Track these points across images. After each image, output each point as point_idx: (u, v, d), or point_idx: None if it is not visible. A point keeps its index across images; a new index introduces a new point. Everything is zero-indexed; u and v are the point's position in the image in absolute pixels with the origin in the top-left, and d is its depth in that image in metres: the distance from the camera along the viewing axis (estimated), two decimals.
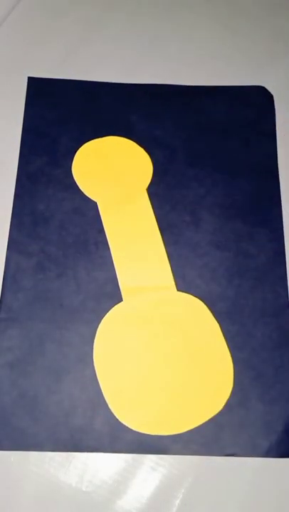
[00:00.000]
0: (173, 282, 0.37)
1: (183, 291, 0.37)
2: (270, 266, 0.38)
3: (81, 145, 0.41)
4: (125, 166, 0.40)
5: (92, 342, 0.36)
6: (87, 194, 0.40)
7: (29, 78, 0.43)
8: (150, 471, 0.33)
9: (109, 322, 0.36)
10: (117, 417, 0.34)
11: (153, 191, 0.40)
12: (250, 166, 0.41)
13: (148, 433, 0.34)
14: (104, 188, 0.40)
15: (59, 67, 0.44)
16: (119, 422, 0.34)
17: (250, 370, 0.35)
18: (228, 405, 0.34)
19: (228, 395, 0.35)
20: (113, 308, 0.37)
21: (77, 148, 0.41)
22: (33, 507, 0.32)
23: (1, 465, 0.33)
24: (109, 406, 0.34)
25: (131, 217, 0.39)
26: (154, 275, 0.37)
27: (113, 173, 0.39)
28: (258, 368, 0.35)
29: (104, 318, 0.36)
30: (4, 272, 0.37)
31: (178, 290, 0.37)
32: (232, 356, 0.36)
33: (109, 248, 0.38)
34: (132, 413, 0.34)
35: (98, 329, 0.36)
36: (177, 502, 0.33)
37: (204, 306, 0.37)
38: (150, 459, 0.34)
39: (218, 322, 0.36)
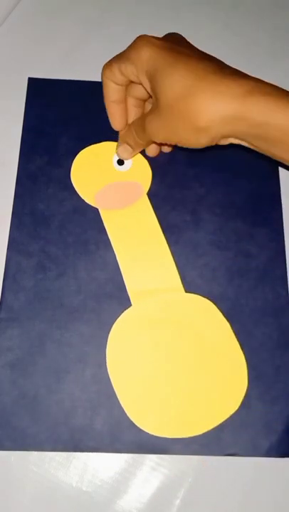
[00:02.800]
0: (180, 284, 0.37)
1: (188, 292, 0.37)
2: (271, 266, 0.38)
3: (81, 145, 0.41)
4: (124, 172, 0.40)
5: (93, 341, 0.35)
6: (88, 202, 0.39)
7: (29, 79, 0.43)
8: (150, 471, 0.33)
9: (120, 327, 0.36)
10: (135, 422, 0.34)
11: (153, 191, 0.39)
12: (250, 165, 0.40)
13: (165, 436, 0.33)
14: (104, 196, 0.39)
15: (59, 67, 0.44)
16: (120, 422, 0.33)
17: (251, 369, 0.35)
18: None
19: (243, 395, 0.34)
20: (123, 313, 0.36)
21: (78, 148, 0.40)
22: (34, 507, 0.32)
23: (1, 465, 0.33)
24: (127, 412, 0.34)
25: (133, 222, 0.38)
26: (161, 278, 0.37)
27: (112, 180, 0.39)
28: (259, 367, 0.35)
29: (115, 323, 0.36)
30: (4, 272, 0.37)
31: (186, 291, 0.37)
32: (245, 355, 0.35)
33: (109, 248, 0.38)
34: (150, 418, 0.34)
35: (110, 334, 0.35)
36: (177, 502, 0.32)
37: (214, 306, 0.36)
38: (150, 459, 0.33)
39: (228, 321, 0.36)
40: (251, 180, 0.40)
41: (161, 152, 0.40)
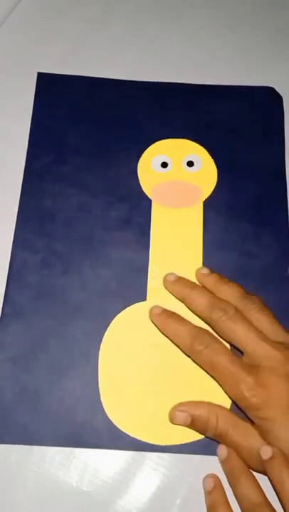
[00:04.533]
0: None
1: None
2: (275, 267, 0.36)
3: (89, 142, 0.39)
4: (191, 173, 0.39)
5: (96, 339, 0.34)
6: (144, 190, 0.38)
7: (39, 74, 0.42)
8: (151, 471, 0.32)
9: (125, 318, 0.35)
10: (112, 420, 0.32)
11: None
12: (256, 166, 0.39)
13: (145, 440, 0.32)
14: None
15: (59, 67, 0.42)
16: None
17: None
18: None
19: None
20: (134, 305, 0.35)
21: (85, 146, 0.39)
22: (34, 507, 0.31)
23: (1, 464, 0.32)
24: (104, 407, 0.33)
25: (180, 224, 0.37)
26: None
27: (177, 177, 0.39)
28: None
29: (122, 312, 0.35)
30: (9, 268, 0.36)
31: None
32: None
33: (114, 246, 0.37)
34: (128, 419, 0.33)
35: (112, 323, 0.35)
36: (178, 502, 0.31)
37: None
38: (151, 459, 0.32)
39: None
40: (257, 181, 0.39)
41: None
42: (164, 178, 0.39)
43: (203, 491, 0.31)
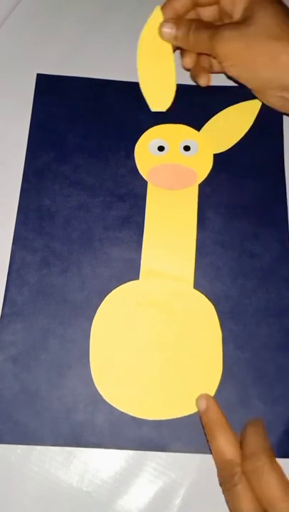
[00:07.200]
0: (192, 278, 0.35)
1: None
2: (275, 266, 0.36)
3: (87, 142, 0.39)
4: (187, 157, 0.38)
5: None
6: (141, 173, 0.38)
7: (38, 75, 0.41)
8: (151, 471, 0.31)
9: (117, 295, 0.34)
10: (102, 395, 0.32)
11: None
12: (256, 165, 0.38)
13: (130, 414, 0.32)
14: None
15: (59, 67, 0.41)
16: (121, 419, 0.32)
17: (253, 370, 0.33)
18: (229, 404, 0.32)
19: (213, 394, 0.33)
20: (127, 283, 0.35)
21: (84, 145, 0.38)
22: (34, 506, 0.30)
23: (1, 464, 0.31)
24: (95, 383, 0.32)
25: (175, 206, 0.37)
26: (177, 266, 0.35)
27: (173, 161, 0.38)
28: (260, 368, 0.33)
29: (115, 290, 0.34)
30: (9, 267, 0.35)
31: (194, 287, 0.35)
32: (224, 364, 0.33)
33: (114, 245, 0.36)
34: (117, 392, 0.32)
35: (105, 300, 0.34)
36: (178, 501, 0.31)
37: (214, 312, 0.34)
38: (151, 459, 0.32)
39: (221, 331, 0.34)
40: (257, 181, 0.38)
41: None
42: (161, 161, 0.38)
43: (203, 490, 0.31)
